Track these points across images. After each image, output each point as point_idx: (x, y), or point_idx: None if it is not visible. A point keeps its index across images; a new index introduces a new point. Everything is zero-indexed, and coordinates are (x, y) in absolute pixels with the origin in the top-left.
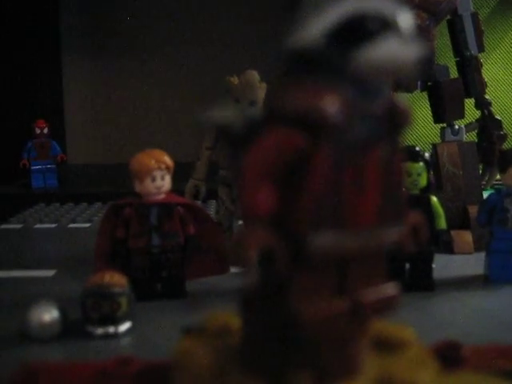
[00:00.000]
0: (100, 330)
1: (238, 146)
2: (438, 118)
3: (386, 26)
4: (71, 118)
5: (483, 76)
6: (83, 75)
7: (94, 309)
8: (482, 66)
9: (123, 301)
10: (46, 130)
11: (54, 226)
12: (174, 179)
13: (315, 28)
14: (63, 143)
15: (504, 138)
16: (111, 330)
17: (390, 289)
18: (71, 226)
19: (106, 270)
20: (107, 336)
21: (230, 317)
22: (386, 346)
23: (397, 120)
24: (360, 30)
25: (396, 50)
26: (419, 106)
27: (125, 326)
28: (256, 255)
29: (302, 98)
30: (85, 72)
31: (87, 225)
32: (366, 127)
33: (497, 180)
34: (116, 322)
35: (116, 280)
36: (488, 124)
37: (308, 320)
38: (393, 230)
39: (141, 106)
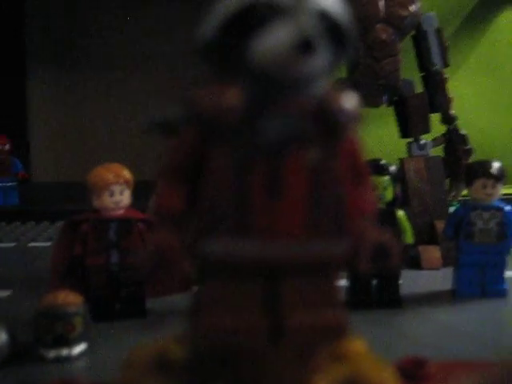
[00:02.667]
0: (53, 353)
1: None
2: (404, 133)
3: (278, 12)
4: (35, 136)
5: (448, 91)
6: (48, 93)
7: (46, 330)
8: (447, 81)
9: (78, 321)
10: (6, 147)
11: (13, 244)
12: (140, 198)
13: (211, 22)
14: (27, 161)
15: (470, 152)
16: (64, 352)
17: (336, 315)
18: (31, 244)
19: (61, 289)
20: (60, 359)
21: (163, 345)
22: (341, 359)
23: (330, 120)
24: (251, 19)
25: (286, 36)
26: (386, 121)
27: (79, 348)
28: (152, 254)
29: (198, 96)
30: (49, 90)
31: (48, 244)
32: (278, 127)
33: (463, 195)
34: (70, 343)
35: (70, 299)
36: (454, 139)
37: (207, 332)
38: (331, 245)
39: (106, 123)
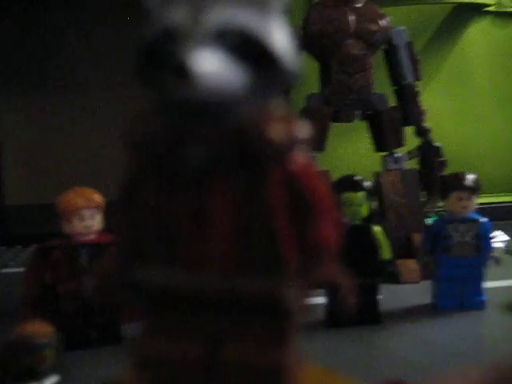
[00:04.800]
0: None
1: None
2: (379, 147)
3: (176, 39)
4: (8, 158)
5: (421, 104)
6: (19, 116)
7: (13, 364)
8: (419, 94)
9: (48, 353)
10: None
11: None
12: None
13: (135, 51)
14: None
15: (444, 164)
16: None
17: (279, 356)
18: (3, 271)
19: (32, 319)
20: None
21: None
22: None
23: (249, 148)
24: (158, 47)
25: (169, 61)
26: (360, 136)
27: (50, 381)
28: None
29: (129, 123)
30: (20, 113)
31: (21, 269)
32: (201, 154)
33: (438, 207)
34: (40, 376)
35: (40, 330)
36: (428, 151)
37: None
38: (264, 282)
39: (80, 145)
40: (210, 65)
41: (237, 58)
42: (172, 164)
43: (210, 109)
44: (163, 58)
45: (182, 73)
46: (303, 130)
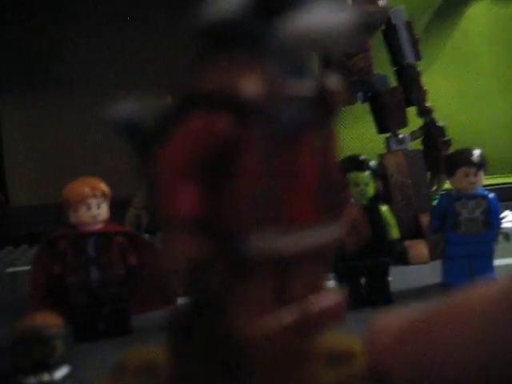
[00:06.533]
0: (33, 380)
1: (149, 146)
2: (381, 128)
3: None
4: (11, 159)
5: (423, 84)
6: (22, 118)
7: (24, 356)
8: (420, 74)
9: (58, 344)
10: None
11: None
12: (117, 214)
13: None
14: (4, 185)
15: (448, 143)
16: (46, 378)
17: (336, 295)
18: (9, 270)
19: (41, 311)
20: None
21: (154, 352)
22: (335, 359)
23: (327, 102)
24: None
25: (323, 18)
26: (363, 118)
27: (61, 372)
28: (185, 267)
29: (223, 78)
30: (24, 114)
31: (27, 267)
32: (295, 110)
33: (445, 188)
34: (51, 368)
35: (49, 321)
36: (432, 131)
37: (252, 338)
38: (332, 227)
39: (84, 144)
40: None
41: None
42: (278, 122)
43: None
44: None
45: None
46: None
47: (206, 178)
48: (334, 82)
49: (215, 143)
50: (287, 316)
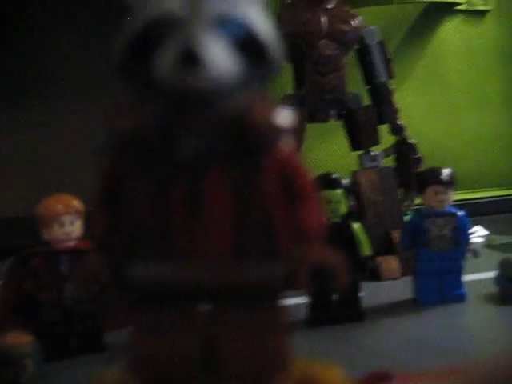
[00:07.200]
0: None
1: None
2: (354, 146)
3: (173, 26)
4: None
5: (395, 102)
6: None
7: None
8: (393, 92)
9: (29, 362)
10: None
11: None
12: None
13: (120, 42)
14: None
15: (420, 161)
16: None
17: (277, 346)
18: None
19: (12, 329)
20: None
21: (123, 375)
22: None
23: (247, 135)
24: (150, 35)
25: (172, 50)
26: (336, 135)
27: None
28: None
29: (111, 117)
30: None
31: None
32: (193, 144)
33: (416, 204)
34: None
35: (20, 340)
36: (403, 148)
37: (140, 362)
38: (262, 268)
39: (58, 154)
40: (216, 52)
41: (234, 46)
42: (166, 155)
43: (210, 97)
44: (158, 45)
45: (191, 60)
46: (289, 117)
47: (110, 208)
48: (269, 114)
49: (107, 178)
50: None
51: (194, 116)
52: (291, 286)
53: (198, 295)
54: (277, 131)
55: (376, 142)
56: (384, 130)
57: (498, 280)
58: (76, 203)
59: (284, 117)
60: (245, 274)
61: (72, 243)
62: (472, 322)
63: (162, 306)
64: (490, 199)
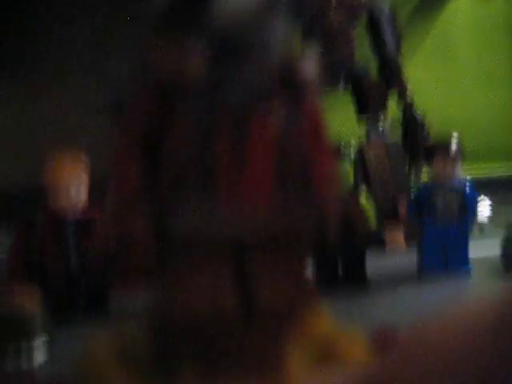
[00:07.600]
0: (12, 362)
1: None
2: (361, 109)
3: None
4: None
5: (404, 77)
6: None
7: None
8: (402, 66)
9: (36, 323)
10: None
11: None
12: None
13: None
14: None
15: (428, 134)
16: (24, 361)
17: (305, 290)
18: None
19: (20, 291)
20: (21, 367)
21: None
22: (312, 336)
23: (292, 80)
24: None
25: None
26: (342, 108)
27: (40, 359)
28: (114, 239)
29: (154, 59)
30: None
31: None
32: (239, 88)
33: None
34: (30, 351)
35: (28, 300)
36: (411, 123)
37: (179, 313)
38: (298, 216)
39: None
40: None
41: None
42: (213, 100)
43: (255, 45)
44: None
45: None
46: (316, 68)
47: (147, 155)
48: (308, 61)
49: (146, 122)
50: (226, 300)
51: (240, 62)
52: (322, 236)
53: (237, 245)
54: (315, 78)
55: (383, 106)
56: (392, 104)
57: (503, 245)
58: (82, 170)
59: (316, 66)
60: (283, 221)
61: (78, 211)
62: (475, 295)
63: (200, 256)
64: (499, 172)
